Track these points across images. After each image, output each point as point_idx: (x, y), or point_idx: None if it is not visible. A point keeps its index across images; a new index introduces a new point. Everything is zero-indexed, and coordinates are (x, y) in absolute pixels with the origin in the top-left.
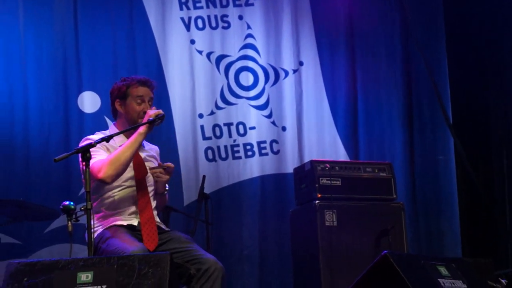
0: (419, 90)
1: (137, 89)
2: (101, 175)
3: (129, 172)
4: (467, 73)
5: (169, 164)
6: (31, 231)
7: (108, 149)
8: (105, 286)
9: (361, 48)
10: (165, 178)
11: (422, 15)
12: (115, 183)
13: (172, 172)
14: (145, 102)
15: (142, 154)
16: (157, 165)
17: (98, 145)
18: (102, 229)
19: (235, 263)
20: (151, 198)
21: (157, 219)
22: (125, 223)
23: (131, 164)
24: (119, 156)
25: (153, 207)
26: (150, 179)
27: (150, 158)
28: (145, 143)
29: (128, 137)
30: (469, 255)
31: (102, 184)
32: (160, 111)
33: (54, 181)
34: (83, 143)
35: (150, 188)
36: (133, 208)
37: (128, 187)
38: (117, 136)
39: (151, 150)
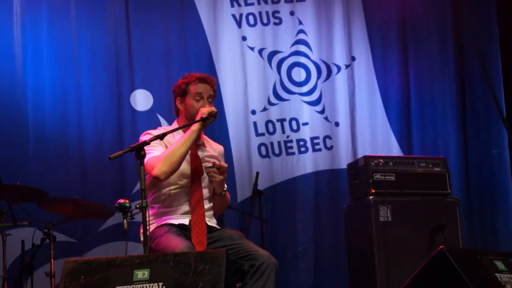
0: (472, 84)
1: (196, 86)
2: (154, 172)
3: (185, 171)
4: None
5: (222, 163)
6: (86, 229)
7: (166, 146)
8: (162, 283)
9: (413, 42)
10: (219, 178)
11: (474, 8)
12: (170, 181)
13: (226, 172)
14: (204, 99)
15: (201, 154)
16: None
17: (156, 142)
18: (153, 228)
19: (290, 260)
20: (205, 200)
21: (213, 220)
22: (176, 222)
23: (188, 163)
24: (172, 153)
25: (206, 208)
26: (206, 180)
27: (209, 159)
28: (209, 142)
29: None
30: None
31: (156, 181)
32: (213, 109)
33: (108, 179)
34: (143, 137)
35: (205, 190)
36: (186, 208)
37: (182, 186)
38: (176, 133)
39: (213, 151)
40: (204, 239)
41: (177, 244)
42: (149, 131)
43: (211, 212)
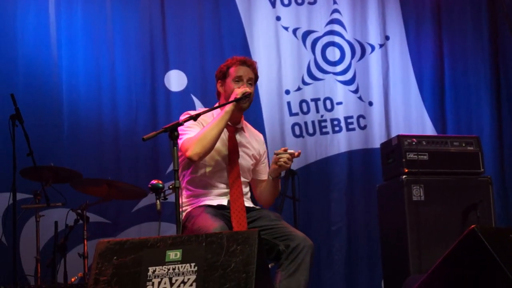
0: (507, 63)
1: (236, 68)
2: (188, 153)
3: (222, 153)
4: None
5: (298, 152)
6: (119, 210)
7: (203, 126)
8: (194, 263)
9: (447, 21)
10: (288, 166)
11: None
12: (207, 163)
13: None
14: (243, 81)
15: (239, 138)
16: (254, 153)
17: (193, 123)
18: (191, 208)
19: (324, 239)
20: (243, 183)
21: (249, 201)
22: (214, 203)
23: (225, 145)
24: (206, 134)
25: (244, 191)
26: (242, 164)
27: (246, 144)
28: (248, 128)
29: None
30: None
31: (191, 162)
32: (247, 89)
33: (142, 160)
34: (182, 117)
35: (242, 172)
36: (223, 189)
37: (219, 168)
38: (215, 112)
39: (252, 136)
40: (243, 219)
41: (212, 224)
42: (188, 112)
43: (248, 195)
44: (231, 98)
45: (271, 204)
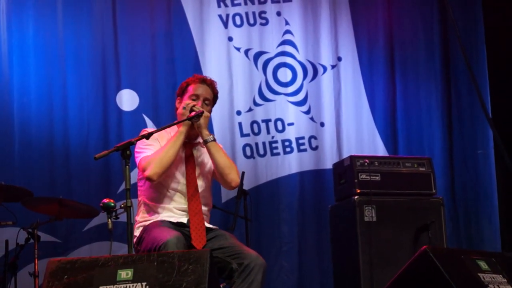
0: (458, 84)
1: (195, 86)
2: (147, 173)
3: (180, 170)
4: (506, 65)
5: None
6: (70, 229)
7: (160, 144)
8: (145, 283)
9: (399, 43)
10: (197, 110)
11: (461, 8)
12: (165, 181)
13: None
14: (199, 100)
15: (196, 153)
16: (211, 169)
17: (151, 140)
18: (149, 222)
19: (274, 259)
20: (201, 199)
21: (206, 223)
22: (174, 220)
23: (183, 162)
24: (163, 155)
25: (203, 208)
26: (201, 178)
27: (203, 160)
28: None
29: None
30: (509, 250)
31: (151, 182)
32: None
33: (93, 179)
34: (142, 133)
35: (200, 188)
36: (182, 205)
37: (178, 184)
38: (171, 129)
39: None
40: (203, 236)
41: (167, 234)
42: (145, 129)
43: (207, 215)
44: (179, 117)
45: (232, 180)
